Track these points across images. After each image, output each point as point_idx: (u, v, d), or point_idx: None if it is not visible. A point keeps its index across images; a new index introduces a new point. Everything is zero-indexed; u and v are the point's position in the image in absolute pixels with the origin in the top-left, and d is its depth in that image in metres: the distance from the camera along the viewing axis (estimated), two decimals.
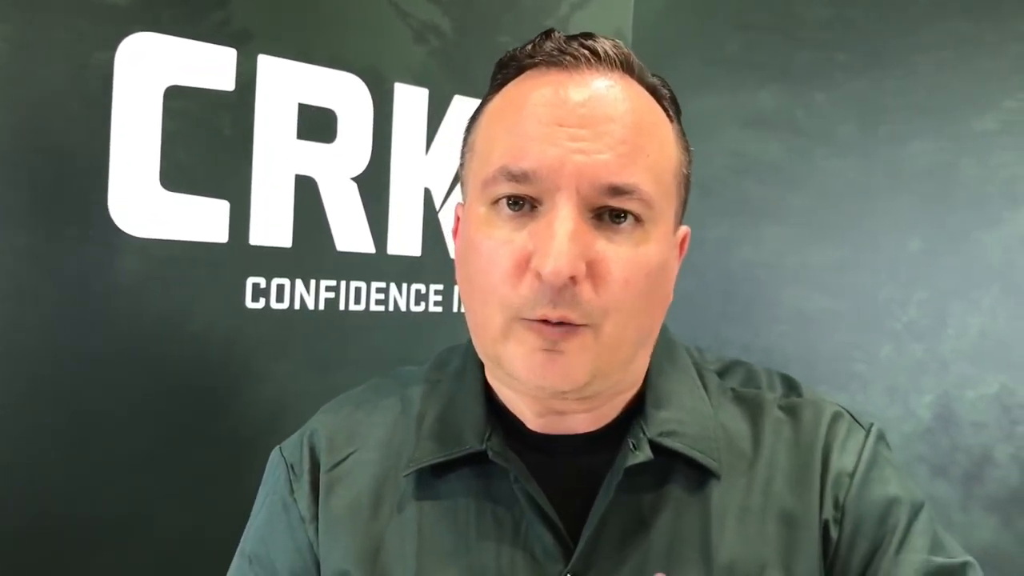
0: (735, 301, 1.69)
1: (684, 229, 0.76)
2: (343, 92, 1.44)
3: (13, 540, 1.16)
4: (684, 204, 0.74)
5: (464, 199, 0.74)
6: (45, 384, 1.17)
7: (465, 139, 0.75)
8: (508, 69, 0.72)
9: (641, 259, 0.66)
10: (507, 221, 0.66)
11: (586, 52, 0.67)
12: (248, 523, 0.83)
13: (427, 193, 1.56)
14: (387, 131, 1.50)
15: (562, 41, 0.69)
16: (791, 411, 0.77)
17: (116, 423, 1.23)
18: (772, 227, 1.64)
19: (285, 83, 1.37)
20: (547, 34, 0.70)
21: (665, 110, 0.71)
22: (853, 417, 0.78)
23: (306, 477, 0.78)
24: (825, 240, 1.57)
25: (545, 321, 0.64)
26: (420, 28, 1.54)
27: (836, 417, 0.77)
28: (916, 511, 0.73)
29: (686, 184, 0.73)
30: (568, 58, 0.67)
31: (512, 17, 1.67)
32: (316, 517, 0.77)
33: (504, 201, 0.66)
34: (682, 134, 0.73)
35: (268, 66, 1.35)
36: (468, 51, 1.59)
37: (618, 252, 0.65)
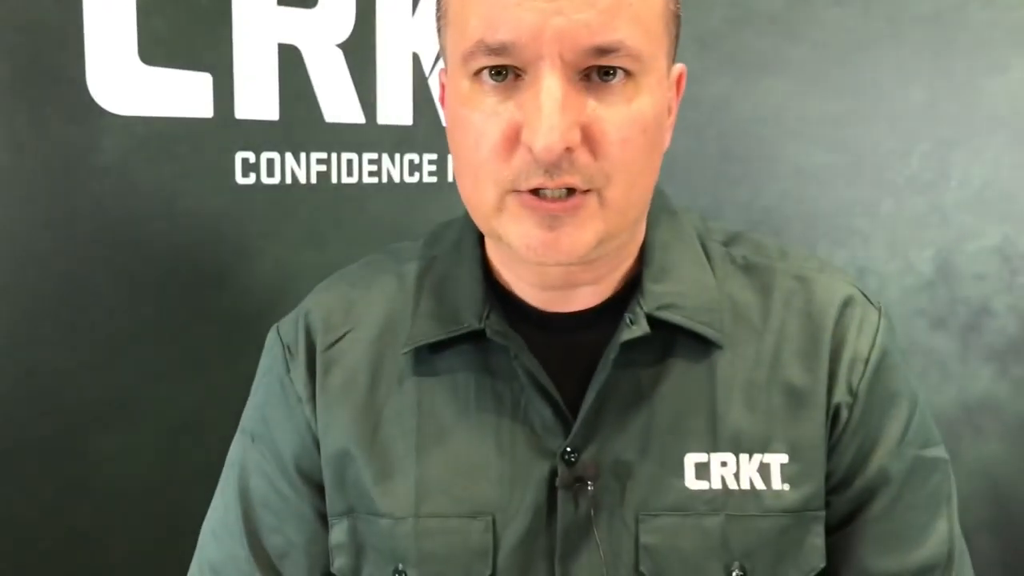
0: (733, 159, 1.66)
1: (679, 68, 0.72)
2: None
3: (7, 422, 1.17)
4: (676, 41, 0.69)
5: (446, 68, 0.70)
6: (32, 267, 1.16)
7: (438, 4, 0.70)
8: None
9: (636, 116, 0.63)
10: (491, 93, 0.63)
11: None
12: (247, 402, 0.83)
13: (415, 58, 1.51)
14: None
15: None
16: (803, 281, 0.76)
17: (108, 305, 1.22)
18: (771, 80, 1.60)
19: None
20: None
21: None
22: (865, 296, 0.77)
23: (302, 357, 0.78)
24: (825, 93, 1.53)
25: (538, 192, 0.63)
26: None
27: (851, 295, 0.75)
28: (915, 405, 0.75)
29: (676, 21, 0.68)
30: None
31: None
32: (313, 397, 0.77)
33: (486, 72, 0.63)
34: None
35: None
36: None
37: (611, 113, 0.62)
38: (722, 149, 1.66)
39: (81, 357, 1.21)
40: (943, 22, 1.39)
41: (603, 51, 0.61)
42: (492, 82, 0.63)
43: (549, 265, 0.66)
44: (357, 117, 1.44)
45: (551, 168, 0.61)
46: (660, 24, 0.65)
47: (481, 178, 0.65)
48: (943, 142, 1.39)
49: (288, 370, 0.78)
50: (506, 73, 0.62)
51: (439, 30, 0.70)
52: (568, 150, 0.61)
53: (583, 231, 0.64)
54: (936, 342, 1.40)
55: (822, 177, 1.54)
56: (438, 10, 0.70)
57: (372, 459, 0.74)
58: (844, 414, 0.73)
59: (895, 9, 1.44)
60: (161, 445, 1.29)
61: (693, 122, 1.62)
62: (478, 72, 0.63)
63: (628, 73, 0.62)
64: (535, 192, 0.63)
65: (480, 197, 0.66)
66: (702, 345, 0.72)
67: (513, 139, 0.62)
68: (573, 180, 0.62)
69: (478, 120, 0.64)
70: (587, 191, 0.63)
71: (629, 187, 0.65)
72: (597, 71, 0.62)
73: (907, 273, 1.43)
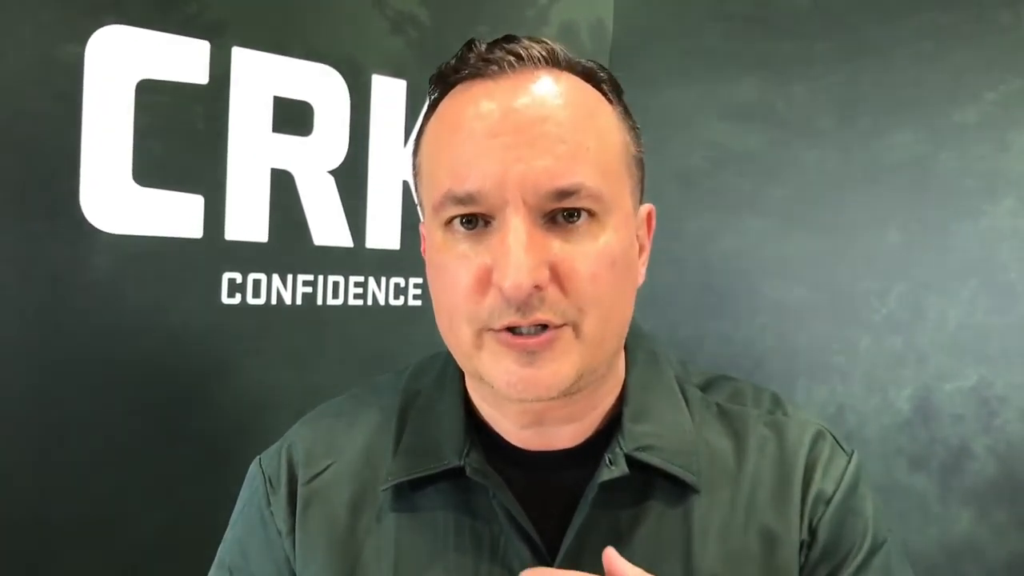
0: (715, 293, 1.68)
1: (647, 207, 0.75)
2: (319, 84, 1.42)
3: None
4: (641, 183, 0.73)
5: (424, 220, 0.74)
6: (17, 382, 1.16)
7: (413, 162, 0.74)
8: (438, 87, 0.71)
9: (603, 251, 0.65)
10: (463, 240, 0.66)
11: (510, 57, 0.66)
12: (226, 533, 0.82)
13: (405, 186, 1.54)
14: (364, 123, 1.49)
15: (484, 50, 0.68)
16: (776, 428, 0.77)
17: (90, 421, 1.22)
18: (751, 219, 1.64)
19: (260, 76, 1.35)
20: (469, 45, 0.70)
21: (604, 94, 0.70)
22: (837, 441, 0.78)
23: (283, 490, 0.77)
24: (804, 232, 1.57)
25: (514, 330, 0.64)
26: (397, 18, 1.52)
27: (820, 437, 0.77)
28: (877, 548, 0.74)
29: (639, 163, 0.72)
30: (492, 67, 0.66)
31: (491, 7, 1.65)
32: (293, 531, 0.76)
33: (457, 221, 0.66)
34: (626, 114, 0.72)
35: (242, 58, 1.33)
36: (447, 41, 1.58)
37: (578, 250, 0.64)
38: (703, 282, 1.69)
39: (58, 472, 1.19)
40: (917, 168, 1.44)
41: (564, 194, 0.64)
42: (463, 230, 0.66)
43: (529, 401, 0.67)
44: (345, 241, 1.47)
45: (522, 307, 0.63)
46: (621, 166, 0.69)
47: (456, 319, 0.67)
48: (919, 283, 1.42)
49: (269, 503, 0.78)
50: (476, 221, 0.65)
51: (416, 186, 0.74)
52: (537, 288, 0.62)
53: (560, 364, 0.65)
54: (916, 482, 1.39)
55: (801, 313, 1.56)
56: (413, 166, 0.74)
57: None
58: (804, 552, 0.72)
59: (870, 154, 1.49)
60: (136, 562, 1.26)
61: (675, 256, 1.66)
62: (449, 221, 0.66)
63: (592, 213, 0.65)
64: (511, 330, 0.64)
65: (457, 337, 0.68)
66: (679, 488, 0.72)
67: (485, 281, 0.65)
68: (545, 317, 0.63)
69: (452, 265, 0.66)
70: (562, 325, 0.65)
71: (603, 320, 0.66)
72: (562, 214, 0.64)
73: (885, 412, 1.44)
